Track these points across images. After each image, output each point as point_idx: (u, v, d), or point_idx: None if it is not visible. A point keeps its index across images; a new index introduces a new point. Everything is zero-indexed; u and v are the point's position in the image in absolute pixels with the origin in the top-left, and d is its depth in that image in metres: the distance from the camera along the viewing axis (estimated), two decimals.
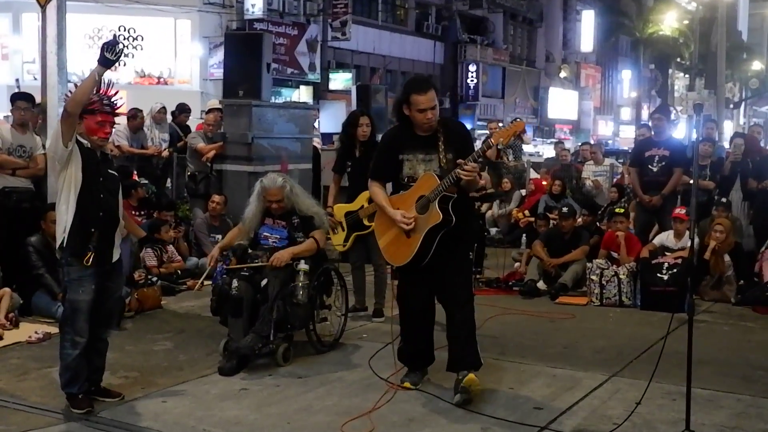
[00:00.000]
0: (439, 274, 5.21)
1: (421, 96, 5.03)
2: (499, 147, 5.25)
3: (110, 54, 4.57)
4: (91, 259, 4.75)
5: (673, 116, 29.31)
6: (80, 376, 4.89)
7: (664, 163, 9.12)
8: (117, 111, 5.02)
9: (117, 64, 4.81)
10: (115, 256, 4.98)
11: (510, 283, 9.00)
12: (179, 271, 8.81)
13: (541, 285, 8.76)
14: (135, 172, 10.35)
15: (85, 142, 4.81)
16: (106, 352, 5.15)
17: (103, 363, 5.14)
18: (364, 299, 7.64)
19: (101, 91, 4.89)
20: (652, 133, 9.93)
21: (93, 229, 4.77)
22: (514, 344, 6.54)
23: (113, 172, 5.03)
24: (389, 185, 5.40)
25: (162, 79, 22.45)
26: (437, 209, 4.99)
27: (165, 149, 10.85)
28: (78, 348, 4.82)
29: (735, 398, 5.27)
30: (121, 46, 4.66)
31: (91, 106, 4.81)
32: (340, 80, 27.58)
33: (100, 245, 4.81)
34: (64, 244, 4.77)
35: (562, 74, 43.24)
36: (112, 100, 4.94)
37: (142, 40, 22.07)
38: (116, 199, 4.98)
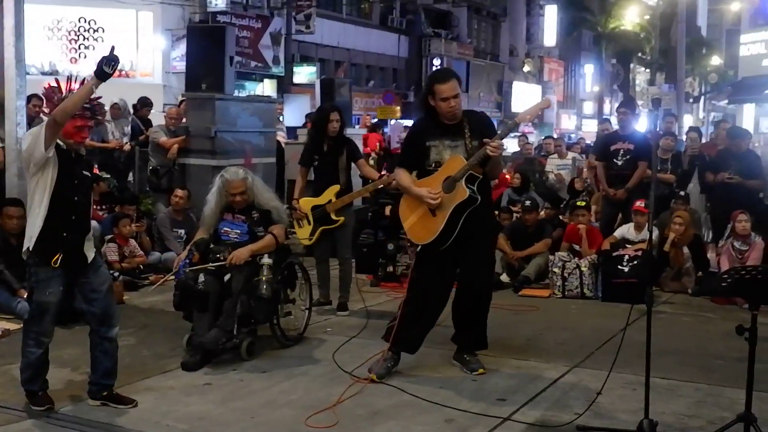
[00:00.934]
0: (462, 262, 5.39)
1: (444, 85, 5.25)
2: (525, 126, 5.53)
3: (108, 68, 4.43)
4: (59, 261, 4.62)
5: (636, 110, 29.58)
6: (41, 374, 4.82)
7: (628, 157, 9.23)
8: (97, 116, 4.93)
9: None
10: (90, 256, 4.80)
11: None
12: (142, 266, 8.74)
13: (504, 278, 8.83)
14: (96, 166, 10.23)
15: (60, 143, 4.65)
16: (116, 353, 4.93)
17: (114, 365, 4.91)
18: (328, 293, 7.64)
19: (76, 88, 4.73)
20: (614, 127, 10.05)
21: (65, 233, 4.63)
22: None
23: (86, 173, 4.91)
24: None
25: (123, 72, 22.14)
26: (464, 187, 5.20)
27: (126, 143, 10.74)
28: (42, 347, 4.74)
29: (694, 387, 5.36)
30: (119, 60, 4.52)
31: None
32: (305, 74, 27.47)
33: (70, 248, 4.67)
34: (31, 248, 4.62)
35: (526, 68, 43.50)
36: (93, 104, 4.79)
37: (103, 32, 21.76)
38: (88, 202, 4.88)
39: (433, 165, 5.36)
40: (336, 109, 7.61)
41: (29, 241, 4.63)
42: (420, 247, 5.46)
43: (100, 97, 4.89)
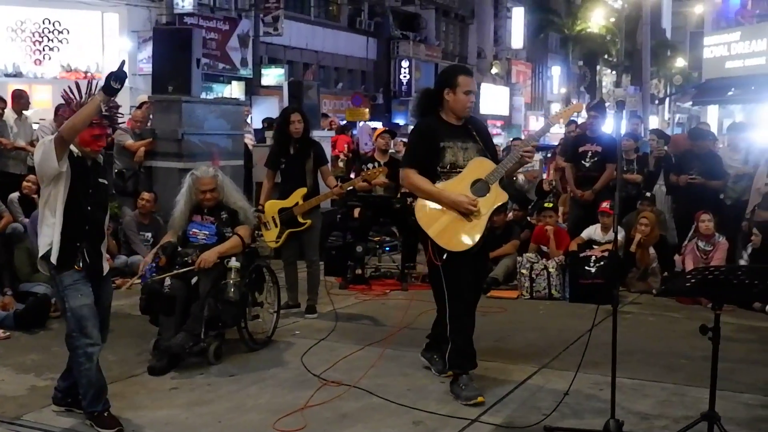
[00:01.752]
0: (473, 266, 5.18)
1: (468, 78, 5.17)
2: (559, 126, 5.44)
3: (117, 84, 4.30)
4: (81, 263, 4.48)
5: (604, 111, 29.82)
6: (104, 391, 4.61)
7: (596, 159, 9.31)
8: (116, 124, 4.79)
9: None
10: (105, 269, 4.72)
11: None
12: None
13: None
14: None
15: (75, 150, 4.50)
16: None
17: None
18: (297, 296, 7.62)
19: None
20: (579, 128, 10.13)
21: (78, 243, 4.50)
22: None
23: (103, 181, 4.72)
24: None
25: (89, 74, 21.89)
26: (500, 189, 5.09)
27: None
28: (94, 359, 4.52)
29: (659, 386, 5.42)
30: (127, 75, 4.38)
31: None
32: (273, 76, 27.36)
33: (88, 257, 4.54)
34: (45, 256, 4.48)
35: (494, 70, 43.70)
36: (112, 112, 4.62)
37: (68, 33, 21.52)
38: (104, 211, 4.74)
39: (448, 167, 5.11)
40: (297, 110, 7.61)
41: (45, 248, 4.49)
42: (446, 255, 5.03)
43: (119, 106, 4.72)
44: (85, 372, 4.51)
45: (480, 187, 5.08)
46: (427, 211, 5.12)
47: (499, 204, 5.10)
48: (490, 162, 5.12)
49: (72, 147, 4.47)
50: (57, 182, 4.43)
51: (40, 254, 4.52)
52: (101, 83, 4.44)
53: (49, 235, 4.47)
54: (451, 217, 5.06)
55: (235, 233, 6.03)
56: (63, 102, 4.75)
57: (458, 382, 5.15)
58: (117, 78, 4.30)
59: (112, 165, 10.09)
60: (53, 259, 4.45)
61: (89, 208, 4.54)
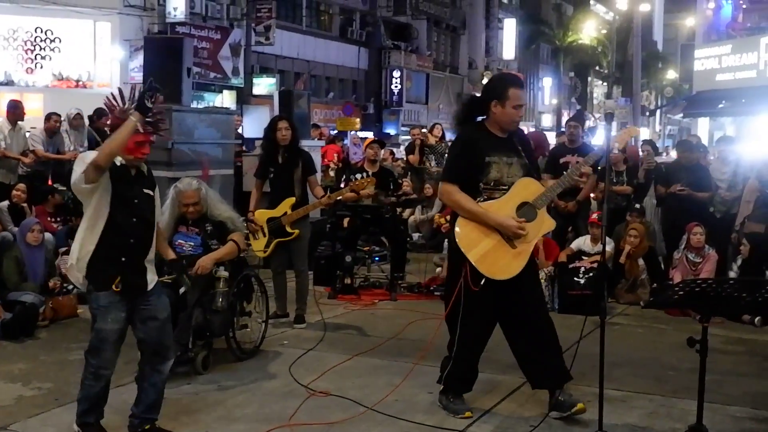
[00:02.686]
0: (512, 293, 4.83)
1: (519, 90, 4.85)
2: (616, 152, 5.16)
3: (149, 102, 4.21)
4: (119, 284, 4.30)
5: (592, 123, 30.03)
6: (98, 406, 4.53)
7: None
8: (160, 130, 4.53)
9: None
10: (150, 284, 4.48)
11: (431, 288, 9.07)
12: None
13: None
14: (50, 178, 10.12)
15: (118, 159, 4.32)
16: (163, 386, 4.64)
17: (158, 398, 4.62)
18: (285, 305, 7.60)
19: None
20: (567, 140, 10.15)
21: (123, 258, 4.31)
22: (434, 349, 6.53)
23: (148, 191, 4.48)
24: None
25: (81, 83, 21.89)
26: (548, 216, 4.83)
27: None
28: (101, 380, 4.42)
29: (647, 398, 5.43)
30: (158, 89, 4.28)
31: None
32: (264, 85, 27.37)
33: (129, 272, 4.34)
34: (77, 267, 4.33)
35: (485, 81, 43.83)
36: (156, 118, 4.42)
37: (60, 42, 21.49)
38: (149, 223, 4.47)
39: (492, 184, 4.80)
40: (284, 117, 7.62)
41: (72, 259, 4.37)
42: (484, 280, 4.73)
43: (161, 111, 4.56)
44: (88, 386, 4.45)
45: (527, 211, 4.78)
46: (467, 231, 4.81)
47: (547, 232, 4.84)
48: (537, 184, 4.83)
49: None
50: (97, 195, 4.27)
51: (73, 261, 4.37)
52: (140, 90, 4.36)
53: (85, 249, 4.30)
54: (495, 241, 4.75)
55: (230, 240, 6.02)
56: (105, 108, 4.61)
57: (447, 394, 5.12)
58: (150, 96, 4.22)
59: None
60: (77, 264, 4.32)
61: (133, 220, 4.34)
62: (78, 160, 4.32)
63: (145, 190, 4.46)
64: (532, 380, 5.07)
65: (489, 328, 5.05)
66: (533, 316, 4.95)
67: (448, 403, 5.08)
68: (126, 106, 4.35)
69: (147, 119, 4.32)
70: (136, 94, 4.34)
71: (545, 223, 4.84)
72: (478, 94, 5.22)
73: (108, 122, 4.40)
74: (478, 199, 4.81)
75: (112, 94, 4.42)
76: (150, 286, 4.46)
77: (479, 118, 5.01)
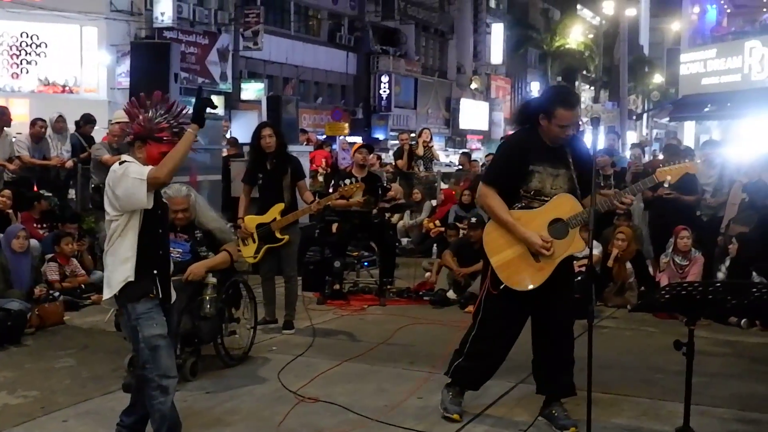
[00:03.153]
0: (542, 298, 4.80)
1: (569, 112, 4.67)
2: (666, 185, 4.98)
3: (205, 113, 4.12)
4: (155, 290, 4.18)
5: (580, 127, 30.10)
6: (178, 428, 4.34)
7: None
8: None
9: None
10: (173, 296, 4.41)
11: (421, 293, 9.09)
12: (83, 286, 8.57)
13: (451, 294, 8.86)
14: (35, 184, 10.07)
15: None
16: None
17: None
18: (274, 311, 7.59)
19: (165, 109, 4.20)
20: None
21: (155, 270, 4.20)
22: (424, 354, 6.59)
23: (165, 201, 4.46)
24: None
25: (67, 88, 21.81)
26: (579, 237, 4.73)
27: (68, 159, 10.57)
28: (169, 392, 4.19)
29: (635, 401, 5.45)
30: (212, 102, 4.19)
31: (160, 134, 4.15)
32: (252, 90, 27.34)
33: (161, 285, 4.23)
34: (119, 294, 4.16)
35: (473, 85, 43.90)
36: (183, 128, 4.21)
37: (46, 47, 21.40)
38: (167, 233, 4.46)
39: (532, 193, 4.75)
40: (268, 124, 7.62)
41: (110, 287, 4.18)
42: (503, 287, 4.78)
43: (187, 121, 4.27)
44: (159, 405, 4.18)
45: (559, 228, 4.71)
46: (495, 236, 4.82)
47: (573, 253, 4.74)
48: (575, 202, 4.72)
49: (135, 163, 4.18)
50: (133, 213, 4.15)
51: (115, 291, 4.18)
52: (193, 105, 4.23)
53: (125, 271, 4.13)
54: (520, 251, 4.74)
55: (224, 249, 6.01)
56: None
57: (450, 388, 5.13)
58: (204, 107, 4.13)
59: (89, 180, 10.05)
60: (117, 292, 4.16)
61: (160, 230, 4.28)
62: (120, 178, 4.08)
63: (162, 200, 4.39)
64: (538, 385, 5.08)
65: (509, 333, 4.96)
66: (555, 327, 4.91)
67: (446, 397, 5.10)
68: (151, 114, 4.16)
69: (174, 129, 4.18)
70: (172, 107, 4.20)
71: (575, 244, 4.74)
72: (536, 97, 5.10)
73: (134, 130, 4.18)
74: (517, 205, 4.79)
75: (132, 100, 4.26)
76: (172, 300, 4.40)
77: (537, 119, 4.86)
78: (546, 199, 4.75)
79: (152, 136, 4.14)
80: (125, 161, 4.14)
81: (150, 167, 4.07)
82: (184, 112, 4.25)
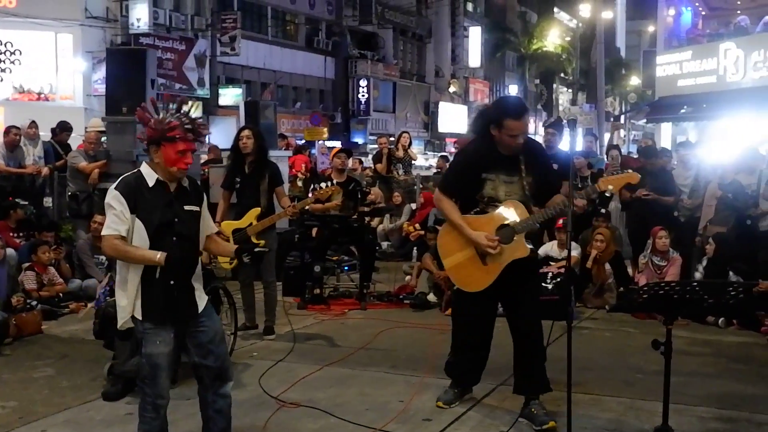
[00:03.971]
0: (507, 297, 5.05)
1: (517, 122, 4.79)
2: (607, 194, 5.13)
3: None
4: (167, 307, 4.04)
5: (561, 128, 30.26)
6: None
7: None
8: (201, 137, 4.19)
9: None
10: (201, 305, 4.18)
11: (401, 297, 9.08)
12: (61, 294, 8.51)
13: (431, 297, 8.87)
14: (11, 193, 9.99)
15: (153, 175, 4.04)
16: (229, 411, 4.37)
17: (229, 424, 4.39)
18: (254, 317, 7.56)
19: (175, 109, 4.10)
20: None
21: (172, 281, 4.03)
22: (405, 357, 6.60)
23: (191, 208, 4.14)
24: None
25: (43, 95, 21.69)
26: (524, 243, 4.84)
27: (43, 167, 10.49)
28: (160, 411, 4.11)
29: (615, 401, 5.47)
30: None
31: (172, 133, 4.00)
32: (230, 95, 27.29)
33: (177, 296, 4.07)
34: (135, 314, 4.03)
35: (452, 89, 44.04)
36: (196, 125, 4.10)
37: (21, 54, 21.26)
38: (194, 240, 4.17)
39: (486, 199, 4.92)
40: (247, 127, 7.61)
41: (124, 313, 4.05)
42: (456, 287, 5.15)
43: (201, 118, 4.35)
44: (149, 420, 4.12)
45: (506, 233, 4.84)
46: (448, 239, 5.06)
47: (519, 258, 4.84)
48: (523, 209, 4.85)
49: (149, 172, 4.05)
50: (133, 225, 3.99)
51: (120, 324, 4.11)
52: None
53: (129, 294, 4.02)
54: (470, 254, 4.93)
55: None
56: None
57: (448, 387, 5.42)
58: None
59: (66, 188, 9.98)
60: (137, 313, 4.03)
61: (174, 239, 4.03)
62: (106, 210, 4.01)
63: (187, 207, 4.11)
64: (515, 385, 5.20)
65: (481, 324, 5.18)
66: (521, 324, 5.06)
67: (446, 389, 5.39)
68: (161, 116, 4.06)
69: (186, 126, 4.04)
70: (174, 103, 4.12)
71: (519, 249, 4.85)
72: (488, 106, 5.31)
73: (146, 135, 4.08)
74: (473, 211, 4.95)
75: (143, 105, 4.13)
76: (200, 308, 4.20)
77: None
78: (500, 205, 4.93)
79: (165, 136, 4.01)
80: (110, 198, 3.99)
81: (111, 230, 3.95)
82: (193, 108, 4.14)
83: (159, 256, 3.95)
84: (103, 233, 3.98)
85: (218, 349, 4.24)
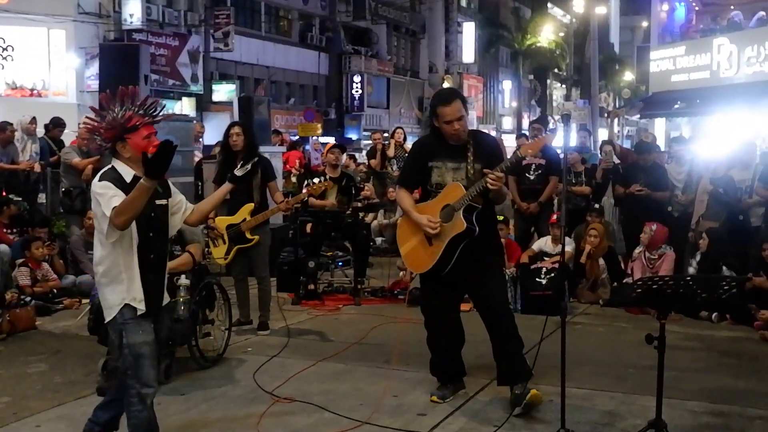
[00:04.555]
0: (471, 288, 5.30)
1: (446, 108, 5.07)
2: (526, 159, 5.31)
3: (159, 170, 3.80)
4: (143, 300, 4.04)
5: (552, 125, 30.31)
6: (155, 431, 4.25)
7: (540, 172, 9.42)
8: (158, 117, 4.15)
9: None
10: (165, 300, 4.31)
11: (395, 292, 9.09)
12: (55, 290, 8.49)
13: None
14: (4, 188, 9.97)
15: (129, 172, 4.01)
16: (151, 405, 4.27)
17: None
18: (248, 312, 7.56)
19: (119, 104, 4.02)
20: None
21: (149, 275, 4.05)
22: (398, 352, 6.60)
23: (161, 202, 4.16)
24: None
25: (36, 91, 21.59)
26: (461, 218, 5.03)
27: (36, 162, 10.47)
28: (147, 401, 4.08)
29: (608, 396, 5.49)
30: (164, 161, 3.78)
31: (131, 123, 4.00)
32: (224, 91, 27.23)
33: (151, 290, 4.08)
34: (133, 303, 4.01)
35: (445, 84, 44.01)
36: (144, 106, 4.08)
37: (13, 50, 21.16)
38: (166, 234, 4.22)
39: (434, 187, 5.20)
40: (237, 123, 7.62)
41: (111, 310, 4.02)
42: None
43: (156, 100, 4.27)
44: (136, 413, 4.08)
45: (448, 213, 5.06)
46: (404, 228, 5.36)
47: (457, 233, 5.02)
48: (461, 188, 5.05)
49: (125, 168, 4.01)
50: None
51: (108, 319, 4.07)
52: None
53: (114, 291, 4.01)
54: (419, 239, 5.20)
55: (186, 250, 5.97)
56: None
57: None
58: (157, 165, 3.75)
59: (59, 183, 9.96)
60: (136, 299, 4.01)
61: (151, 234, 4.06)
62: (98, 199, 3.92)
63: (158, 201, 4.13)
64: (497, 377, 5.32)
65: (446, 314, 5.37)
66: (492, 314, 5.23)
67: (439, 384, 5.47)
68: (111, 116, 3.99)
69: (140, 112, 4.03)
70: (135, 102, 4.04)
71: (457, 226, 5.05)
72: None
73: (99, 131, 4.04)
74: (430, 199, 5.22)
75: (88, 118, 4.11)
76: (164, 303, 4.32)
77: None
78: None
79: (126, 129, 3.99)
80: (99, 188, 3.95)
81: (113, 205, 3.84)
82: (135, 96, 4.07)
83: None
84: (107, 214, 3.84)
85: (159, 346, 4.34)
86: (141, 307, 4.01)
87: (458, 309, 5.47)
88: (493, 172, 4.93)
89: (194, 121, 13.94)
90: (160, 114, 4.19)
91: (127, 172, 4.01)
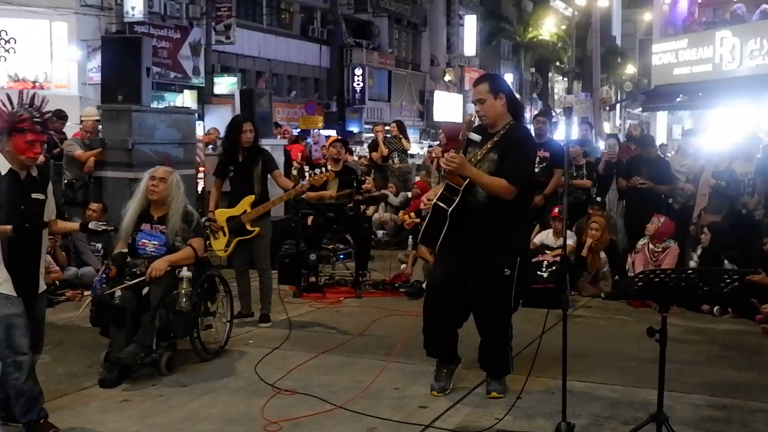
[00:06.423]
0: (470, 286, 5.27)
1: (473, 89, 5.27)
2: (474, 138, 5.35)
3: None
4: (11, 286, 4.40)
5: (554, 118, 30.23)
6: (37, 400, 4.48)
7: (545, 164, 9.39)
8: (49, 130, 4.66)
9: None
10: (41, 288, 4.63)
11: (396, 285, 9.10)
12: (57, 282, 8.50)
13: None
14: None
15: (5, 164, 4.40)
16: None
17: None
18: (249, 304, 7.57)
19: (27, 103, 4.50)
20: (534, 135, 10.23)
21: (17, 261, 4.41)
22: (400, 345, 6.59)
23: (38, 196, 4.55)
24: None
25: (38, 84, 21.57)
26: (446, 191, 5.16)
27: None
28: (23, 368, 4.37)
29: (609, 389, 5.50)
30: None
31: (21, 125, 4.38)
32: (225, 84, 27.21)
33: (22, 276, 4.43)
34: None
35: (447, 77, 43.96)
36: (44, 116, 4.51)
37: (15, 42, 21.16)
38: (39, 228, 4.57)
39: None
40: (248, 119, 7.58)
41: None
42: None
43: (50, 112, 4.70)
44: (14, 381, 4.39)
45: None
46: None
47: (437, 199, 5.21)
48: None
49: (2, 161, 4.38)
50: None
51: None
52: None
53: None
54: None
55: (188, 244, 5.97)
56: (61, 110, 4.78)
57: (437, 367, 5.50)
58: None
59: (62, 176, 9.96)
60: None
61: (26, 226, 4.42)
62: None
63: (34, 195, 4.52)
64: (479, 360, 5.47)
65: (444, 296, 5.31)
66: (483, 319, 5.35)
67: (435, 375, 5.46)
68: (15, 109, 4.43)
69: (36, 119, 4.43)
70: (26, 98, 4.48)
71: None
72: None
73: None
74: None
75: (1, 101, 4.49)
76: (40, 290, 4.62)
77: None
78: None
79: (15, 128, 4.37)
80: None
81: None
82: (45, 103, 4.54)
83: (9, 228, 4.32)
84: None
85: (36, 326, 4.60)
86: (6, 290, 4.35)
87: (461, 292, 5.28)
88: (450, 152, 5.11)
89: (212, 129, 14.02)
90: (48, 129, 4.64)
91: (4, 164, 4.40)
